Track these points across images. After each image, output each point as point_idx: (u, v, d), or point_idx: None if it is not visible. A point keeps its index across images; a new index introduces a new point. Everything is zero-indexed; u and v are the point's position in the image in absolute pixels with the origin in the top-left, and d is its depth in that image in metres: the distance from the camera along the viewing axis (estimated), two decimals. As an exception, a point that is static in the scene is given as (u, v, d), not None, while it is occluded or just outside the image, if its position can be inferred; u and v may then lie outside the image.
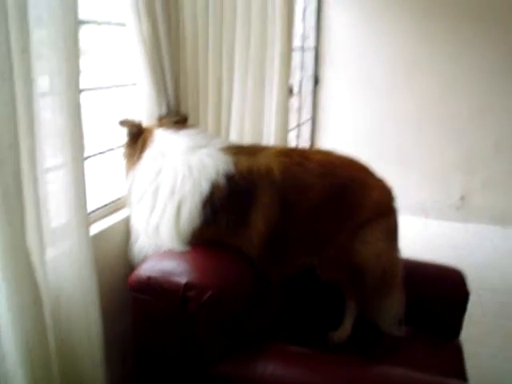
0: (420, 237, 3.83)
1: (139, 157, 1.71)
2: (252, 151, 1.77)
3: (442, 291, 2.08)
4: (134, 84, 1.78)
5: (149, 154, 1.70)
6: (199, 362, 1.50)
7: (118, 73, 1.86)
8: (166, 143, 1.71)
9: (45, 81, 1.24)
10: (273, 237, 1.70)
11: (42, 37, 1.21)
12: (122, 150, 1.79)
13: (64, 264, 1.37)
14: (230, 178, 1.64)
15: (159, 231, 1.65)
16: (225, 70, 2.10)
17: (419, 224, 4.13)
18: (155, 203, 1.65)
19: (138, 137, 1.73)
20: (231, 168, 1.66)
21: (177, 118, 1.82)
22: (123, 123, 1.74)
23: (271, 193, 1.68)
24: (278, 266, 1.78)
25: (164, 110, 1.79)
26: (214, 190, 1.63)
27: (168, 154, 1.69)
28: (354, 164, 1.89)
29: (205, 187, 1.63)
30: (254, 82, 2.31)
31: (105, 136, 1.92)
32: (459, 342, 2.04)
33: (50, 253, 1.33)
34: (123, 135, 1.76)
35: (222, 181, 1.63)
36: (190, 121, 1.89)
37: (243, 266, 1.67)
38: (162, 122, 1.80)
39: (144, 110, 1.78)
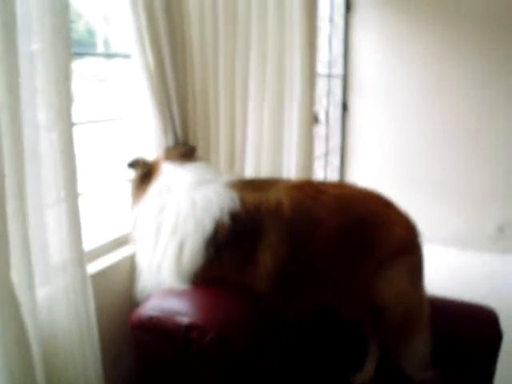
0: (454, 269, 3.65)
1: (144, 191, 1.68)
2: (262, 186, 1.71)
3: (472, 331, 1.94)
4: (138, 116, 1.76)
5: (154, 189, 1.67)
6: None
7: (123, 104, 1.84)
8: (172, 178, 1.68)
9: (37, 114, 1.21)
10: (283, 274, 1.62)
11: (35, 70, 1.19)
12: (130, 187, 1.76)
13: (60, 302, 1.33)
14: (235, 215, 1.59)
15: (161, 269, 1.61)
16: (238, 98, 2.06)
17: (453, 256, 3.95)
18: (157, 241, 1.62)
19: (148, 175, 1.71)
20: (237, 205, 1.60)
21: (184, 149, 1.78)
22: (134, 165, 1.72)
23: (280, 229, 1.61)
24: (291, 305, 1.69)
25: (171, 141, 1.76)
26: (218, 228, 1.58)
27: (173, 189, 1.65)
28: (375, 198, 1.78)
29: (208, 226, 1.58)
30: (271, 110, 2.25)
31: (110, 170, 1.90)
32: (493, 385, 1.89)
33: (44, 290, 1.30)
34: (130, 171, 1.73)
35: (226, 219, 1.58)
36: (200, 152, 1.85)
37: (249, 305, 1.59)
38: (169, 153, 1.76)
39: (150, 142, 1.74)
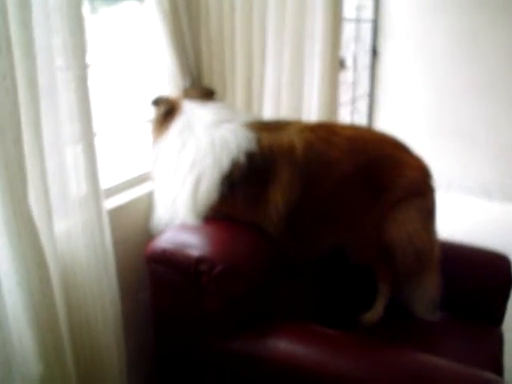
0: (481, 220, 3.62)
1: (166, 129, 1.72)
2: (277, 127, 1.73)
3: (485, 276, 1.98)
4: (154, 60, 1.77)
5: (176, 126, 1.71)
6: (211, 336, 1.51)
7: (139, 48, 1.87)
8: (193, 116, 1.71)
9: (53, 54, 1.26)
10: (293, 215, 1.66)
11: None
12: (151, 124, 1.80)
13: (78, 235, 1.41)
14: (250, 155, 1.63)
15: (177, 204, 1.66)
16: (256, 41, 2.03)
17: (481, 206, 3.90)
18: (176, 176, 1.66)
19: (170, 113, 1.74)
20: (253, 145, 1.64)
21: (204, 91, 1.81)
22: (158, 102, 1.75)
23: (292, 170, 1.64)
24: (301, 246, 1.74)
25: (188, 83, 1.78)
26: (234, 166, 1.62)
27: (194, 126, 1.69)
28: (388, 140, 1.80)
29: (225, 163, 1.62)
30: (290, 54, 2.22)
31: (129, 110, 1.94)
32: (501, 330, 1.92)
33: (63, 224, 1.37)
34: (151, 110, 1.77)
35: (242, 158, 1.62)
36: (216, 94, 1.87)
37: (260, 241, 1.65)
38: (189, 93, 1.79)
39: (167, 83, 1.77)
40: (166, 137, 1.71)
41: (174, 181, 1.67)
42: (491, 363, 1.71)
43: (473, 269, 1.99)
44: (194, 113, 1.72)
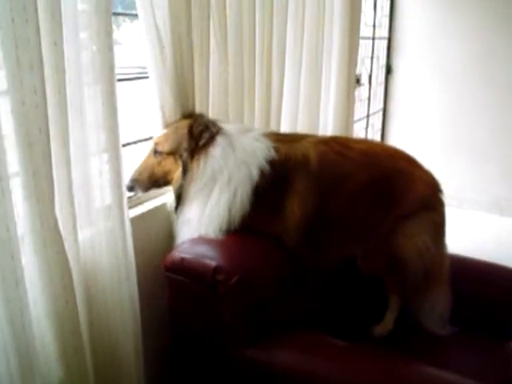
0: (493, 235, 3.63)
1: (206, 149, 1.68)
2: (292, 139, 1.78)
3: (496, 291, 1.99)
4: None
5: (219, 146, 1.67)
6: (225, 344, 1.55)
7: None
8: (232, 137, 1.70)
9: (81, 70, 1.32)
10: (310, 224, 1.69)
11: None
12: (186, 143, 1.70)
13: (101, 243, 1.45)
14: (272, 163, 1.66)
15: (207, 219, 1.66)
16: (274, 60, 2.09)
17: (493, 221, 3.91)
18: (212, 192, 1.67)
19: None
20: (273, 154, 1.67)
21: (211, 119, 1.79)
22: (208, 126, 1.68)
23: (307, 180, 1.68)
24: (315, 255, 1.77)
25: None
26: (261, 176, 1.65)
27: (234, 146, 1.69)
28: (399, 155, 1.84)
29: (255, 174, 1.65)
30: (308, 72, 2.28)
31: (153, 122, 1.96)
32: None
33: (87, 232, 1.42)
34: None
35: (267, 167, 1.65)
36: (234, 113, 1.92)
37: (275, 253, 1.69)
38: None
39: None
40: (208, 156, 1.67)
41: (211, 195, 1.67)
42: (501, 378, 1.72)
43: (484, 284, 2.00)
44: (232, 132, 1.71)
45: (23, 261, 1.16)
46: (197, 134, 1.67)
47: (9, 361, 1.14)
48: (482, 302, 1.98)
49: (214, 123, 1.70)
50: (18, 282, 1.13)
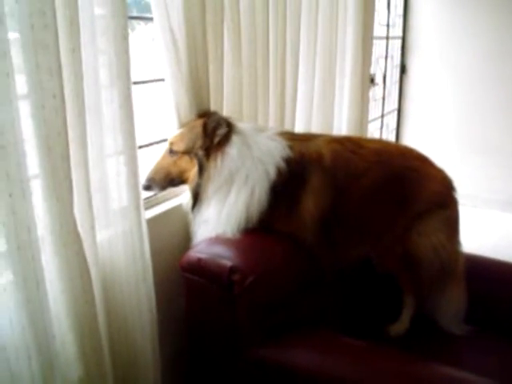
0: (507, 234, 3.60)
1: (222, 147, 1.68)
2: (305, 138, 1.80)
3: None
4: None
5: (235, 145, 1.67)
6: (241, 344, 1.56)
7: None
8: (246, 134, 1.71)
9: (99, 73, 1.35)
10: (325, 222, 1.70)
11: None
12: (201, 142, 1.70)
13: (118, 244, 1.47)
14: (288, 161, 1.67)
15: (225, 219, 1.67)
16: (288, 60, 2.10)
17: (507, 220, 3.87)
18: (230, 191, 1.67)
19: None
20: (288, 151, 1.68)
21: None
22: (220, 123, 1.67)
23: (321, 177, 1.68)
24: (332, 254, 1.77)
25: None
26: (278, 174, 1.66)
27: (250, 144, 1.69)
28: (412, 154, 1.85)
29: (272, 172, 1.66)
30: (322, 71, 2.29)
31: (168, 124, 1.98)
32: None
33: (105, 233, 1.44)
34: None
35: (283, 165, 1.66)
36: (249, 114, 1.93)
37: (291, 252, 1.69)
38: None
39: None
40: (225, 155, 1.66)
41: (229, 194, 1.67)
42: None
43: (499, 283, 2.00)
44: (246, 131, 1.71)
45: (43, 261, 1.18)
46: (210, 131, 1.67)
47: (30, 360, 1.17)
48: (497, 301, 1.97)
49: (227, 120, 1.71)
50: (38, 282, 1.15)
